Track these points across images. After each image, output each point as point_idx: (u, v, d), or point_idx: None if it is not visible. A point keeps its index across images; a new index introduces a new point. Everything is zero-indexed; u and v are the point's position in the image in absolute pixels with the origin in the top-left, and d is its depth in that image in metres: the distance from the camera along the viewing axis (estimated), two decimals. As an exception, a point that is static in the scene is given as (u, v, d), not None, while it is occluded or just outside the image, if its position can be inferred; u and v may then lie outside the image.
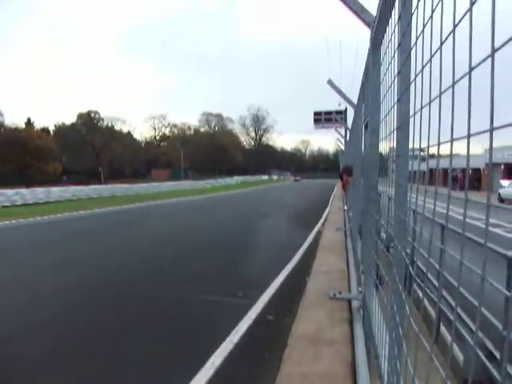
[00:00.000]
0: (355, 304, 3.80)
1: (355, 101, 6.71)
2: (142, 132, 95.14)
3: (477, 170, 32.73)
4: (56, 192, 27.95)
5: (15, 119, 67.83)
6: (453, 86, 0.89)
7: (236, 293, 5.58)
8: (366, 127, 3.96)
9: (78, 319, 4.79)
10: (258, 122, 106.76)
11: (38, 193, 26.52)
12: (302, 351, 3.11)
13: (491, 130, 0.69)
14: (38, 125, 73.49)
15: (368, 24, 2.97)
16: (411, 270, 1.50)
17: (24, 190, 26.23)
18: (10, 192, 24.68)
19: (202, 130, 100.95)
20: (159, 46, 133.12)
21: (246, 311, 4.79)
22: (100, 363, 3.59)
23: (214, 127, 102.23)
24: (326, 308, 4.10)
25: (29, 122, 70.90)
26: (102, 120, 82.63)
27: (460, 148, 0.89)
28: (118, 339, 4.14)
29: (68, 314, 4.97)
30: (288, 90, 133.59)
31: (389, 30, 2.14)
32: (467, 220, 0.87)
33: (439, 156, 1.05)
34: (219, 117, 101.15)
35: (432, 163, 1.44)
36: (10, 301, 5.56)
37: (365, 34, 3.22)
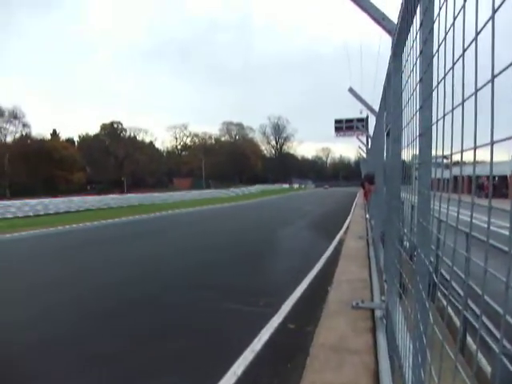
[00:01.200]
0: (378, 313, 3.75)
1: (377, 108, 6.67)
2: (164, 141, 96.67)
3: (504, 177, 31.87)
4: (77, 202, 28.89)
5: (41, 131, 69.89)
6: (475, 92, 0.89)
7: (258, 301, 5.57)
8: (387, 135, 3.93)
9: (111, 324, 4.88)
10: (278, 131, 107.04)
11: (58, 202, 27.35)
12: (325, 360, 3.08)
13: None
14: (64, 136, 75.67)
15: (389, 31, 2.97)
16: (435, 278, 1.48)
17: (46, 200, 26.99)
18: (32, 202, 25.58)
19: (222, 139, 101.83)
20: (180, 57, 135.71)
21: (267, 320, 4.78)
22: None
23: (235, 136, 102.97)
24: (348, 317, 4.06)
25: (54, 133, 73.02)
26: (125, 130, 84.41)
27: (485, 155, 0.88)
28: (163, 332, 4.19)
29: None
30: (308, 98, 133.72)
31: (410, 37, 2.14)
32: (493, 228, 0.86)
33: (462, 163, 1.04)
34: (240, 126, 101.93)
35: (456, 171, 1.43)
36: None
37: (386, 41, 3.22)
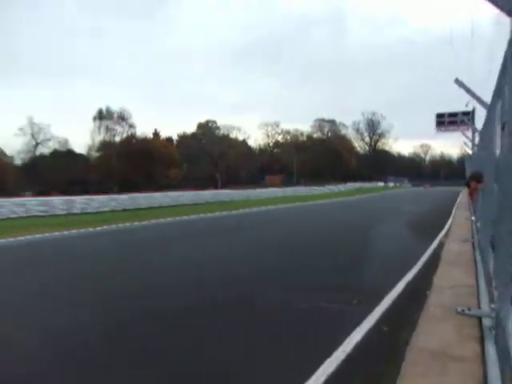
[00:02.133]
0: (486, 322, 3.47)
1: (486, 100, 6.12)
2: (256, 139, 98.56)
3: None
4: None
5: (145, 130, 75.51)
6: None
7: (351, 300, 5.47)
8: (502, 128, 3.59)
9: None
10: (372, 127, 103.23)
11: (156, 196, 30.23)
12: (424, 366, 2.93)
13: None
14: (164, 135, 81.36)
15: (509, 11, 2.68)
16: None
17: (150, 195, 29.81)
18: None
19: (314, 135, 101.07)
20: (271, 55, 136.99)
21: (360, 320, 4.66)
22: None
23: (327, 133, 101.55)
24: (451, 323, 3.80)
25: (156, 133, 78.77)
26: (219, 129, 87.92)
27: None
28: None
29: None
30: (405, 93, 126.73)
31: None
32: None
33: None
34: (332, 122, 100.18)
35: None
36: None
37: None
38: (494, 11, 2.82)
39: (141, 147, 67.59)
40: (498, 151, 4.08)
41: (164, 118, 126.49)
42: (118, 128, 71.99)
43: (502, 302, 2.87)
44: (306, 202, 31.63)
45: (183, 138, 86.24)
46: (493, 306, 3.48)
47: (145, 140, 73.07)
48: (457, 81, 7.01)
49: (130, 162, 64.11)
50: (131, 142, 70.96)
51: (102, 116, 70.43)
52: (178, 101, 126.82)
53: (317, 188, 51.06)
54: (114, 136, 71.91)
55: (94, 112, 69.95)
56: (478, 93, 7.06)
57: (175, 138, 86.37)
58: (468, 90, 6.87)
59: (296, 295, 5.85)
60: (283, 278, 7.07)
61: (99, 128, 70.08)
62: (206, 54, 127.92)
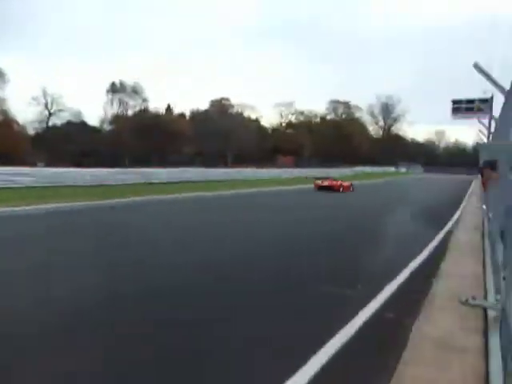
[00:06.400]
0: (491, 313, 3.41)
1: (507, 86, 5.90)
2: (270, 119, 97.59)
3: None
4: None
5: (158, 105, 74.98)
6: None
7: (355, 284, 5.45)
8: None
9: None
10: (387, 111, 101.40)
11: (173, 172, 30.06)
12: (424, 355, 2.90)
13: None
14: (176, 111, 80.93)
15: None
16: None
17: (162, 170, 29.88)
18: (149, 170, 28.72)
19: (328, 117, 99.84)
20: (286, 32, 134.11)
21: (363, 305, 4.64)
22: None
23: (341, 115, 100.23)
24: (454, 313, 3.75)
25: (168, 108, 78.35)
26: (232, 107, 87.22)
27: None
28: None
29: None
30: (423, 77, 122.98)
31: None
32: None
33: None
34: (346, 104, 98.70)
35: None
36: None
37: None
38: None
39: (153, 122, 67.41)
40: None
41: (178, 94, 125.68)
42: (131, 102, 71.77)
43: (508, 294, 2.80)
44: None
45: (196, 114, 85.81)
46: (498, 297, 3.41)
47: (157, 115, 72.76)
48: (476, 65, 6.75)
49: (142, 136, 64.13)
50: (144, 116, 70.74)
51: (115, 89, 70.10)
52: (193, 78, 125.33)
53: (328, 170, 50.44)
54: (127, 110, 71.81)
55: (107, 85, 69.74)
56: (497, 79, 6.82)
57: (188, 114, 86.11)
58: (487, 76, 6.63)
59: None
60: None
61: (112, 101, 69.99)
62: (221, 33, 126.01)
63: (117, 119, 68.79)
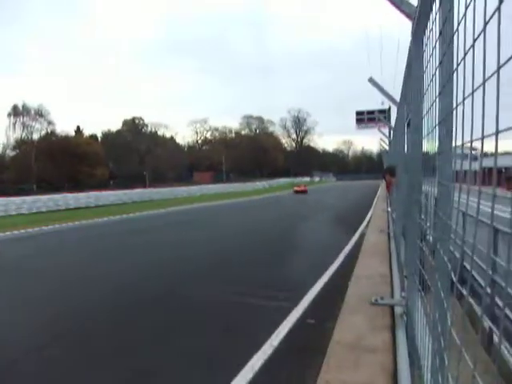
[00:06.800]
0: (398, 310, 3.63)
1: (398, 98, 6.46)
2: (185, 136, 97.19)
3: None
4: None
5: (66, 128, 71.08)
6: (497, 71, 0.79)
7: (277, 295, 5.53)
8: (408, 125, 3.79)
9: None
10: (298, 124, 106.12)
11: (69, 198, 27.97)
12: (342, 359, 2.99)
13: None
14: (87, 132, 77.09)
15: (409, 15, 2.83)
16: (453, 276, 1.37)
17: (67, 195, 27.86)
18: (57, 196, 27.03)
19: (243, 132, 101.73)
20: (198, 52, 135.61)
21: (286, 314, 4.73)
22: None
23: (255, 130, 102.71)
24: (366, 314, 3.95)
25: (78, 130, 74.35)
26: (146, 126, 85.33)
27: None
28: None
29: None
30: (329, 91, 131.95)
31: (431, 17, 2.01)
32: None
33: (483, 152, 0.94)
34: (260, 119, 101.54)
35: (486, 161, 1.31)
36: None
37: (406, 27, 3.08)
38: (399, 15, 2.98)
39: (62, 145, 63.34)
40: (405, 147, 4.30)
41: (87, 116, 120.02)
42: (36, 125, 66.92)
43: (410, 291, 3.00)
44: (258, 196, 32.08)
45: (108, 135, 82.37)
46: (403, 294, 3.66)
47: (67, 137, 68.49)
48: (371, 80, 7.33)
49: (50, 160, 59.91)
50: (51, 139, 66.18)
51: (17, 112, 64.89)
52: (102, 98, 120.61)
53: (242, 185, 51.60)
54: (32, 133, 66.76)
55: (8, 108, 64.35)
56: (392, 92, 7.48)
57: (100, 135, 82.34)
58: (381, 89, 7.22)
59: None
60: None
61: (14, 125, 64.72)
62: (131, 50, 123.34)
63: (21, 144, 63.55)
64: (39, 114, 66.47)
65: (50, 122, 67.99)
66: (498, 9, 0.77)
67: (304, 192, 39.93)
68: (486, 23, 0.87)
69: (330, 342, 3.31)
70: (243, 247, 9.84)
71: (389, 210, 13.16)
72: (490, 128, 0.83)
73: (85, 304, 5.64)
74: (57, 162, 60.24)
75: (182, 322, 4.80)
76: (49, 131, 68.29)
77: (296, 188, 42.32)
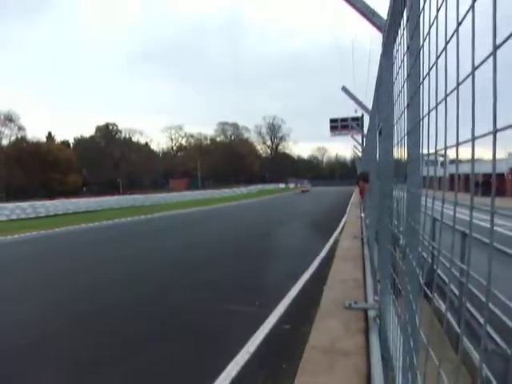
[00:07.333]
0: (371, 313, 3.71)
1: (370, 107, 6.63)
2: (159, 143, 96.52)
3: (499, 175, 31.95)
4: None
5: (37, 134, 69.48)
6: (457, 87, 0.85)
7: (253, 301, 5.55)
8: (380, 133, 3.90)
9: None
10: (273, 131, 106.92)
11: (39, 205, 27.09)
12: (317, 363, 3.04)
13: (494, 132, 0.65)
14: (59, 138, 75.35)
15: (379, 28, 2.93)
16: (421, 279, 1.44)
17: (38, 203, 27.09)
18: (24, 205, 25.76)
19: (218, 139, 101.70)
20: (173, 59, 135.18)
21: (262, 320, 4.76)
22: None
23: (231, 136, 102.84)
24: (341, 318, 4.02)
25: (50, 136, 72.60)
26: (120, 132, 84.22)
27: (478, 152, 0.82)
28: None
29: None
30: (303, 98, 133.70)
31: (399, 32, 2.10)
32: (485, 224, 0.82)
33: (445, 161, 1.00)
34: (235, 126, 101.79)
35: (451, 168, 1.38)
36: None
37: (378, 39, 3.18)
38: (371, 28, 3.07)
39: (33, 151, 61.63)
40: (377, 154, 4.42)
41: (59, 122, 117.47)
42: (5, 130, 64.96)
43: (383, 295, 3.09)
44: (229, 203, 31.96)
45: (81, 141, 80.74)
46: (376, 298, 3.74)
47: (37, 143, 66.68)
48: (344, 88, 7.50)
49: (21, 166, 58.19)
50: (21, 145, 64.32)
51: (-15, 117, 62.91)
52: (75, 104, 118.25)
53: (217, 191, 51.69)
54: (1, 139, 64.71)
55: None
56: (364, 100, 7.66)
57: (72, 141, 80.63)
58: (354, 98, 7.39)
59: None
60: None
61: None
62: (106, 56, 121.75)
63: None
64: (9, 119, 64.69)
65: (20, 128, 66.30)
66: (457, 31, 0.84)
67: (306, 191, 57.74)
68: (447, 42, 0.93)
69: (306, 346, 3.35)
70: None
71: (362, 215, 13.40)
72: (453, 138, 0.89)
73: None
74: (27, 168, 58.62)
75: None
76: (19, 137, 66.52)
77: (302, 189, 61.72)
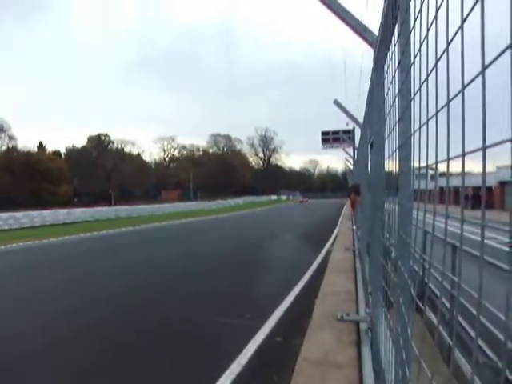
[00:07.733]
0: (363, 326, 3.71)
1: (361, 120, 6.71)
2: (152, 154, 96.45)
3: (488, 188, 32.34)
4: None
5: (28, 143, 68.98)
6: (448, 103, 0.87)
7: (244, 313, 5.52)
8: (371, 146, 3.95)
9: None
10: (266, 143, 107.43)
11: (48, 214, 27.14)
12: (309, 375, 3.02)
13: (484, 149, 0.67)
14: (50, 148, 74.95)
15: (371, 43, 2.98)
16: (412, 292, 1.45)
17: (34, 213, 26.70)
18: (18, 215, 25.72)
19: (210, 150, 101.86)
20: (166, 70, 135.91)
21: (254, 332, 4.73)
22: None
23: (223, 148, 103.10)
24: (333, 330, 4.01)
25: (41, 146, 72.20)
26: (112, 143, 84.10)
27: (467, 166, 0.84)
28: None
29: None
30: (295, 111, 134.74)
31: (390, 48, 2.14)
32: (471, 236, 0.84)
33: (436, 175, 1.03)
34: (227, 138, 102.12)
35: (441, 181, 1.41)
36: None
37: (369, 54, 3.23)
38: (363, 43, 3.13)
39: (24, 161, 61.17)
40: (369, 167, 4.46)
41: (51, 132, 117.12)
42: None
43: (374, 307, 3.09)
44: (223, 214, 31.80)
45: (73, 151, 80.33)
46: (368, 310, 3.75)
47: (28, 153, 66.21)
48: (335, 102, 7.58)
49: (11, 176, 57.66)
50: (12, 155, 63.84)
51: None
52: (67, 114, 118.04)
53: (210, 203, 51.69)
54: (-9, 149, 64.27)
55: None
56: (356, 113, 7.75)
57: (63, 151, 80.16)
58: (345, 111, 7.46)
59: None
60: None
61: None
62: (99, 67, 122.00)
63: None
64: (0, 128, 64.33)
65: (11, 137, 65.92)
66: (447, 49, 0.86)
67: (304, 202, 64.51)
68: (437, 60, 0.96)
69: (298, 358, 3.34)
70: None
71: (354, 228, 13.45)
72: (443, 153, 0.91)
73: None
74: (17, 178, 58.11)
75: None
76: (10, 146, 66.09)
77: (301, 199, 68.80)
